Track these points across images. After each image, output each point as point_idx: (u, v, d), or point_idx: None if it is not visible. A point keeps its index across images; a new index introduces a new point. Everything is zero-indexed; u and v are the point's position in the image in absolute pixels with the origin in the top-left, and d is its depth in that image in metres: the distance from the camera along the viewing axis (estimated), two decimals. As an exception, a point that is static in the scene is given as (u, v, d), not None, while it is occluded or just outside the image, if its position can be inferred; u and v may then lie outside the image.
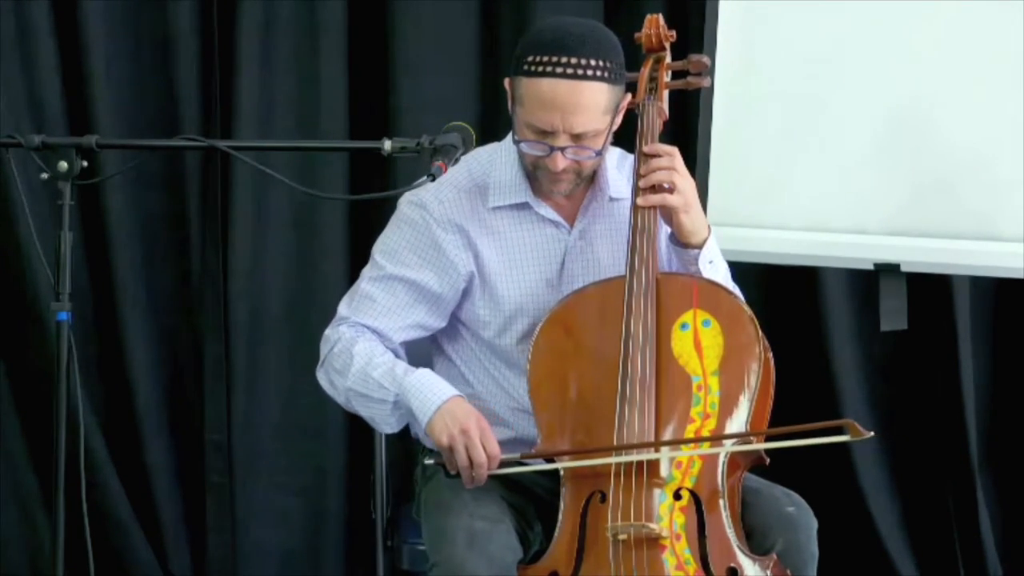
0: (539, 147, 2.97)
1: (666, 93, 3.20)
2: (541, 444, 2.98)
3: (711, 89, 3.90)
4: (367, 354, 3.05)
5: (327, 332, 3.15)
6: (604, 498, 2.88)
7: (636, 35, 3.21)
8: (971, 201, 3.80)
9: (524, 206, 3.09)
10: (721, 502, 2.87)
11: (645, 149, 3.07)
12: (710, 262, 3.06)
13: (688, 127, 4.23)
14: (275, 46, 4.38)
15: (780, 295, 4.44)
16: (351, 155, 4.44)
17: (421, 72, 4.41)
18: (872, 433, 2.88)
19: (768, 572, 2.83)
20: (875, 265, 3.89)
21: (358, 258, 4.44)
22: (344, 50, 4.42)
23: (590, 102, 2.94)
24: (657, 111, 3.14)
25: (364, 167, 4.39)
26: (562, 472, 2.94)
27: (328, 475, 4.44)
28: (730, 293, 3.03)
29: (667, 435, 2.91)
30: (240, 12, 4.33)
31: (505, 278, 3.10)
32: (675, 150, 3.07)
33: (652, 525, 2.84)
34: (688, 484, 2.88)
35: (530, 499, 3.06)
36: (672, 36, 3.21)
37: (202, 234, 4.39)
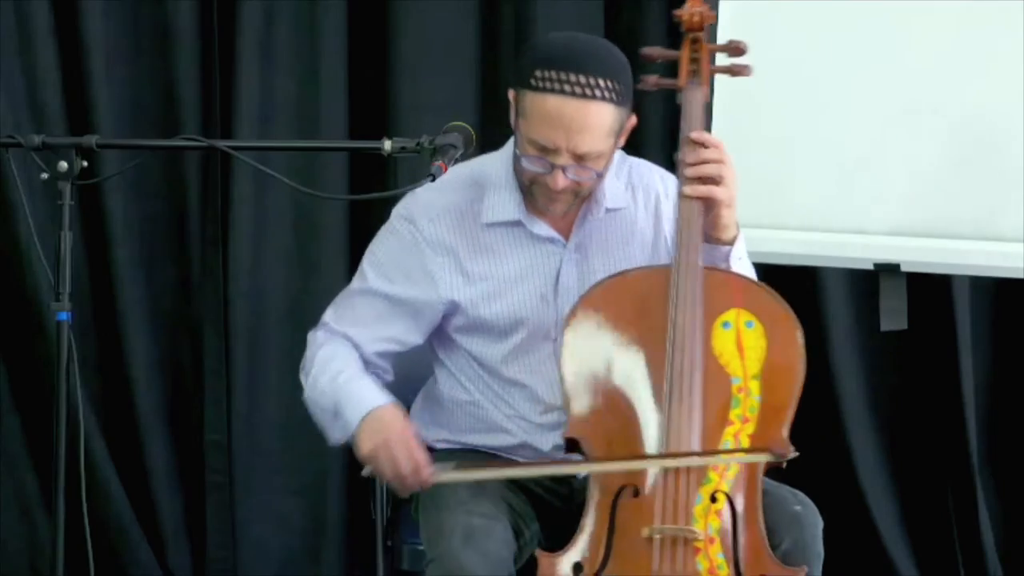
0: (540, 163, 2.91)
1: (709, 78, 3.05)
2: (569, 432, 2.90)
3: (711, 89, 3.90)
4: (324, 360, 3.02)
5: (308, 335, 3.12)
6: (637, 493, 2.82)
7: (675, 12, 3.07)
8: (971, 201, 3.80)
9: (517, 224, 3.04)
10: (754, 507, 2.81)
11: (693, 136, 2.96)
12: (739, 259, 3.00)
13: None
14: (275, 46, 4.38)
15: (780, 295, 4.44)
16: (351, 155, 4.44)
17: (421, 72, 4.41)
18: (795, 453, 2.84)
19: None
20: (875, 265, 3.89)
21: (358, 258, 4.40)
22: (344, 50, 4.42)
23: (596, 123, 2.88)
24: (702, 96, 3.02)
25: (364, 167, 4.39)
26: (589, 456, 2.87)
27: (328, 475, 4.44)
28: (774, 295, 2.95)
29: (707, 437, 2.83)
30: (240, 12, 4.33)
31: (497, 296, 3.05)
32: (721, 142, 2.98)
33: (693, 529, 2.78)
34: (724, 487, 2.81)
35: (529, 498, 3.06)
36: (714, 17, 3.07)
37: (202, 234, 4.39)
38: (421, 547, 3.07)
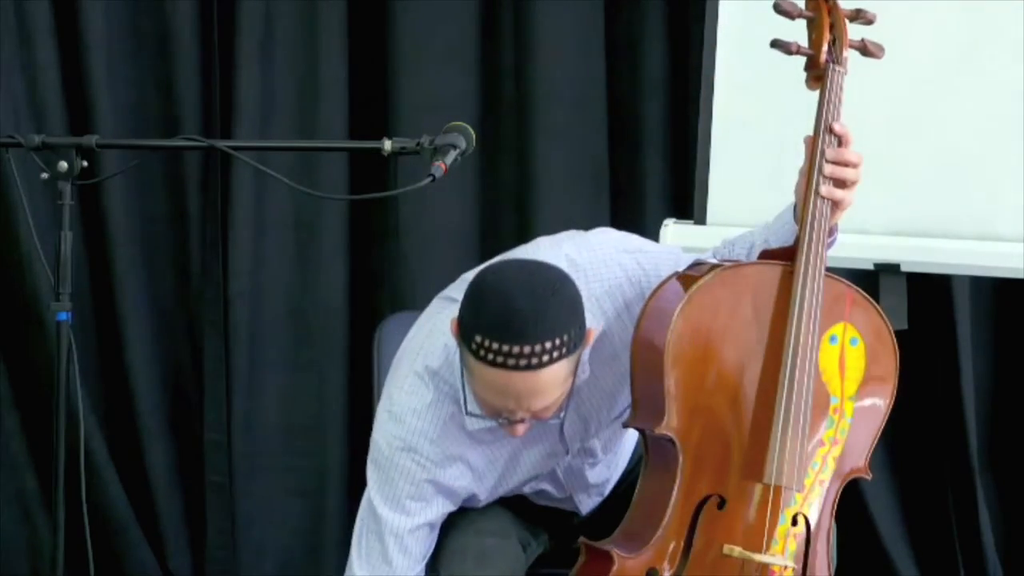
0: (495, 418, 2.70)
1: (847, 55, 2.76)
2: (662, 429, 2.69)
3: (711, 89, 3.90)
4: None
5: None
6: (723, 505, 2.70)
7: None
8: (971, 201, 3.80)
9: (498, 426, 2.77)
10: (826, 532, 2.75)
11: (836, 128, 2.77)
12: None
13: (688, 127, 4.24)
14: (275, 46, 4.38)
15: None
16: (351, 155, 4.44)
17: (421, 72, 4.41)
18: None
19: None
20: (875, 265, 3.89)
21: (358, 258, 4.45)
22: (344, 50, 4.42)
23: (549, 383, 2.62)
24: (841, 77, 2.76)
25: (364, 167, 4.39)
26: (682, 464, 2.69)
27: (328, 475, 4.44)
28: (879, 312, 2.78)
29: (803, 459, 2.69)
30: (240, 12, 4.33)
31: (510, 474, 2.91)
32: (853, 141, 2.79)
33: (775, 560, 2.68)
34: (806, 510, 2.73)
35: (535, 515, 3.04)
36: None
37: (202, 234, 4.38)
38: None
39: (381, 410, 2.83)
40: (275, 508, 4.44)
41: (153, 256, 4.39)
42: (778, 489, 2.68)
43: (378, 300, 4.44)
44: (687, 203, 3.93)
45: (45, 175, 3.00)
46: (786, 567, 2.71)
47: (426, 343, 2.82)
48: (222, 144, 3.18)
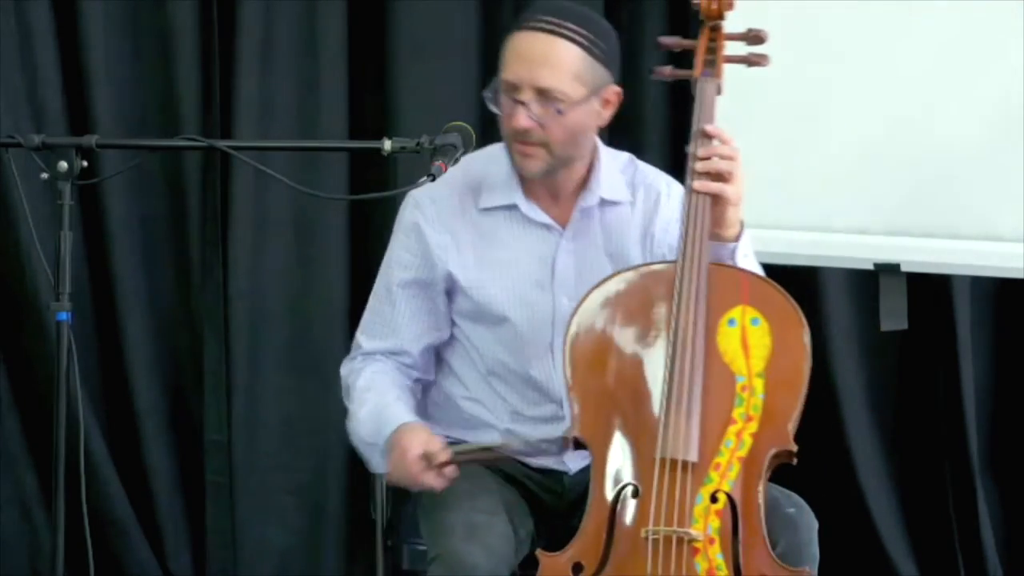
0: (506, 105, 2.95)
1: (724, 69, 3.01)
2: (576, 431, 2.86)
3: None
4: (361, 389, 3.05)
5: (341, 368, 3.15)
6: (637, 492, 2.81)
7: (693, 0, 3.04)
8: (971, 201, 3.80)
9: (513, 208, 3.06)
10: (756, 507, 2.79)
11: (707, 128, 2.93)
12: (745, 256, 2.98)
13: (688, 127, 4.23)
14: (275, 46, 4.38)
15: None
16: (351, 155, 4.44)
17: (421, 72, 4.41)
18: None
19: None
20: (875, 265, 3.89)
21: (358, 258, 4.45)
22: (344, 50, 4.42)
23: (560, 59, 2.90)
24: (716, 88, 2.98)
25: (364, 167, 4.39)
26: (594, 461, 2.85)
27: (328, 475, 4.44)
28: (781, 292, 2.92)
29: (708, 436, 2.80)
30: (240, 12, 4.33)
31: (492, 280, 3.06)
32: (731, 139, 2.95)
33: (691, 531, 2.76)
34: (725, 487, 2.79)
35: (524, 495, 3.07)
36: (732, 5, 3.02)
37: (202, 234, 4.39)
38: (422, 547, 3.07)
39: None
40: (275, 508, 4.44)
41: (153, 256, 4.39)
42: (684, 465, 2.78)
43: (378, 300, 4.44)
44: (687, 203, 3.93)
45: (45, 175, 3.01)
46: (712, 541, 2.76)
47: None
48: (222, 144, 3.19)
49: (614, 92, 2.99)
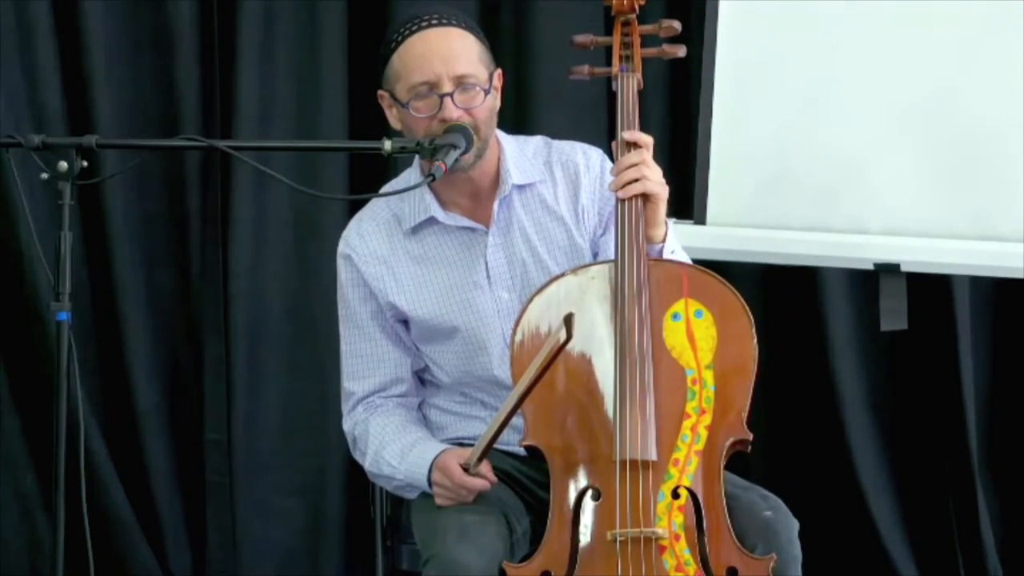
0: (428, 103, 2.99)
1: (641, 62, 3.05)
2: (529, 439, 2.91)
3: (711, 89, 3.90)
4: (377, 440, 3.11)
5: (344, 425, 3.22)
6: (598, 495, 2.83)
7: None
8: (971, 201, 3.81)
9: (432, 221, 3.11)
10: (718, 500, 2.81)
11: (625, 136, 2.98)
12: (672, 252, 3.01)
13: (688, 126, 4.23)
14: (275, 46, 4.38)
15: (780, 295, 4.44)
16: (351, 155, 4.44)
17: (421, 72, 4.41)
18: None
19: (768, 572, 2.79)
20: (875, 265, 3.89)
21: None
22: (344, 50, 4.42)
23: (463, 46, 3.00)
24: (636, 82, 3.04)
25: (364, 167, 4.39)
26: (551, 468, 2.88)
27: (328, 475, 4.44)
28: (721, 281, 2.94)
29: (664, 432, 2.83)
30: (240, 11, 4.34)
31: (433, 296, 3.11)
32: (649, 140, 2.99)
33: (657, 530, 2.78)
34: (686, 482, 2.82)
35: (518, 493, 3.07)
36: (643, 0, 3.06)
37: (202, 234, 4.39)
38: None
39: None
40: (275, 508, 4.44)
41: (153, 256, 4.39)
42: (644, 464, 2.80)
43: (378, 300, 4.44)
44: (687, 203, 3.93)
45: (45, 175, 3.00)
46: (678, 537, 2.78)
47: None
48: (222, 144, 3.18)
49: (499, 75, 3.08)
